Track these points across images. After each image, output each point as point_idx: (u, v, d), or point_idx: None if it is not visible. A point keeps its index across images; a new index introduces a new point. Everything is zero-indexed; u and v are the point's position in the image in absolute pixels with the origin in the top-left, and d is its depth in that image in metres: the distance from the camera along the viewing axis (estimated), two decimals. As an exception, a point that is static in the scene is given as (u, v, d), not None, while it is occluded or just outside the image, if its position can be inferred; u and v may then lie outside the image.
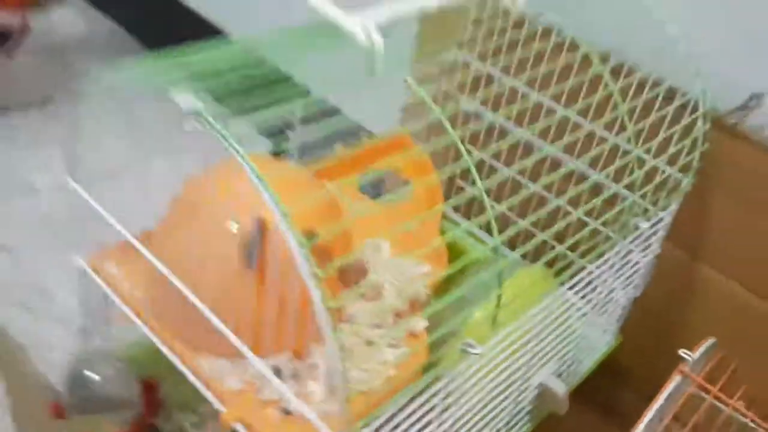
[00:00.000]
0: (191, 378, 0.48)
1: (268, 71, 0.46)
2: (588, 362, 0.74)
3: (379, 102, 0.74)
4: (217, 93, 0.40)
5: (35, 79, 1.28)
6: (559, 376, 0.67)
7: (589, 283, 0.63)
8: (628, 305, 0.74)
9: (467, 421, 0.53)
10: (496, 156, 0.80)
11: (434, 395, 0.45)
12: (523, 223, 0.53)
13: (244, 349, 0.43)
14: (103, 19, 1.50)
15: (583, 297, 0.65)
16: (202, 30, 1.30)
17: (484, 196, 0.47)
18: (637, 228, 0.61)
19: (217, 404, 0.47)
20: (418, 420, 0.46)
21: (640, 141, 0.62)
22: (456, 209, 0.86)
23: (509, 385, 0.56)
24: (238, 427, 0.45)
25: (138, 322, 0.52)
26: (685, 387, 0.52)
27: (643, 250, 0.68)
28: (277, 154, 0.58)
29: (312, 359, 0.50)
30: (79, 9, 1.51)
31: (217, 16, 1.30)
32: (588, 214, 0.61)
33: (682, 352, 0.53)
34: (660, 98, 0.63)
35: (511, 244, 0.80)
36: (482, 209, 0.80)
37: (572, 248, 0.61)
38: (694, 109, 0.63)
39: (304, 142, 0.67)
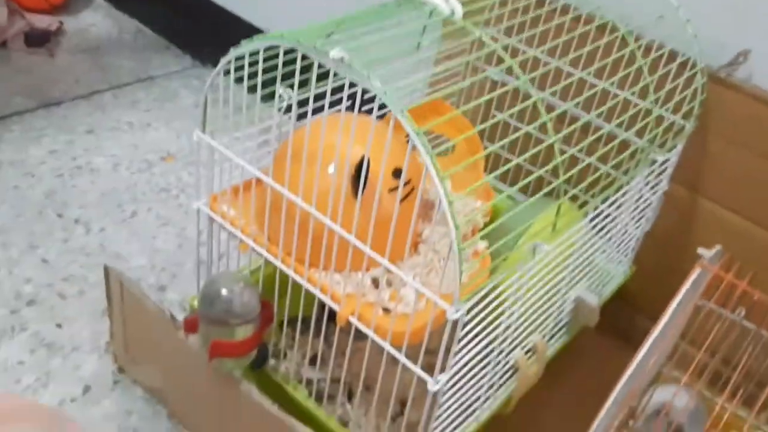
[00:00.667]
0: (308, 286, 0.60)
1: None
2: (608, 290, 0.87)
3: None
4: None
5: (78, 75, 1.39)
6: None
7: (608, 216, 0.75)
8: (641, 238, 0.86)
9: (526, 319, 0.65)
10: (520, 117, 0.93)
11: (510, 286, 0.58)
12: (540, 172, 0.65)
13: (380, 258, 0.54)
14: (129, 19, 1.61)
15: (600, 232, 0.78)
16: (225, 22, 1.41)
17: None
18: (654, 162, 0.74)
19: (333, 304, 0.58)
20: (496, 307, 0.58)
21: (649, 94, 0.75)
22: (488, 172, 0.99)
23: (556, 293, 0.69)
24: (352, 319, 0.57)
25: (258, 248, 0.63)
26: (702, 280, 0.64)
27: (653, 187, 0.81)
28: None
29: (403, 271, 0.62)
30: (105, 11, 1.62)
31: (238, 7, 1.41)
32: (606, 160, 0.74)
33: (700, 249, 0.66)
34: (664, 58, 0.76)
35: (535, 192, 0.93)
36: (505, 163, 0.92)
37: (591, 191, 0.73)
38: (693, 66, 0.76)
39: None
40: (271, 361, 0.72)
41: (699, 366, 0.83)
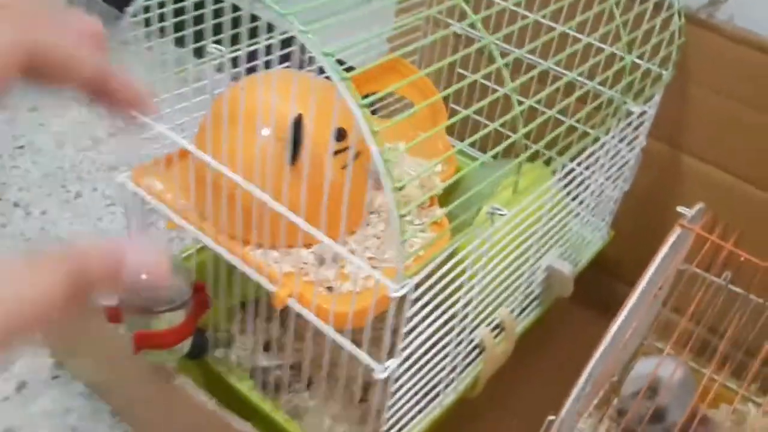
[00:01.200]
0: (241, 266, 0.53)
1: None
2: (585, 256, 0.80)
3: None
4: None
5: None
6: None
7: (575, 178, 0.69)
8: (619, 199, 0.80)
9: (490, 293, 0.59)
10: (487, 76, 0.86)
11: (466, 256, 0.51)
12: (516, 136, 0.58)
13: (314, 231, 0.48)
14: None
15: (573, 194, 0.71)
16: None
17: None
18: (629, 114, 0.67)
19: (269, 285, 0.52)
20: (452, 281, 0.51)
21: (621, 38, 0.68)
22: (449, 130, 0.92)
23: (524, 262, 0.62)
24: (291, 302, 0.51)
25: (187, 225, 0.56)
26: (683, 242, 0.58)
27: (629, 143, 0.74)
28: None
29: (348, 246, 0.56)
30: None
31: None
32: (573, 114, 0.67)
33: (679, 208, 0.59)
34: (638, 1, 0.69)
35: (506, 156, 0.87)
36: (475, 128, 0.86)
37: (555, 148, 0.67)
38: (669, 7, 0.69)
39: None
40: (221, 350, 0.66)
41: (684, 335, 0.77)
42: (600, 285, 0.90)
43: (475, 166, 0.54)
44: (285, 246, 0.54)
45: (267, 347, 0.69)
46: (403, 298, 0.45)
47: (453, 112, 0.92)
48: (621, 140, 0.73)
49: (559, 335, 0.85)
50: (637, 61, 0.71)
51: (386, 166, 0.40)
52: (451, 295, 0.53)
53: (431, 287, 0.50)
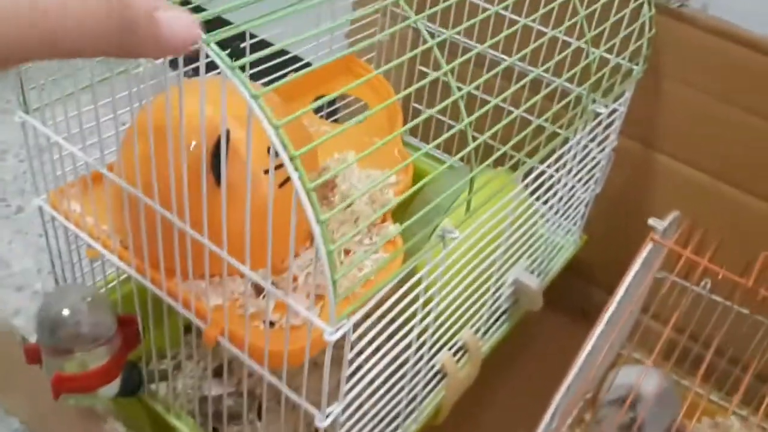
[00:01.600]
0: (168, 299, 0.48)
1: None
2: (557, 263, 0.75)
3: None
4: None
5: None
6: (532, 273, 0.68)
7: (545, 182, 0.64)
8: (591, 203, 0.75)
9: (449, 316, 0.53)
10: (448, 73, 0.81)
11: (417, 283, 0.46)
12: (483, 137, 0.53)
13: (236, 263, 0.42)
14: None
15: (542, 198, 0.66)
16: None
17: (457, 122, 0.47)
18: (597, 115, 0.62)
19: (198, 322, 0.46)
20: (402, 311, 0.46)
21: (586, 32, 0.63)
22: (413, 132, 0.87)
23: (487, 279, 0.57)
24: (222, 340, 0.45)
25: (107, 253, 0.51)
26: (657, 254, 0.53)
27: (600, 143, 0.69)
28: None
29: (290, 272, 0.50)
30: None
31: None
32: (541, 114, 0.62)
33: (651, 220, 0.54)
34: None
35: (476, 160, 0.81)
36: (440, 129, 0.80)
37: (525, 150, 0.62)
38: (638, -4, 0.63)
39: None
40: (163, 383, 0.60)
41: (665, 344, 0.73)
42: (574, 290, 0.85)
43: (433, 176, 0.49)
44: (216, 274, 0.48)
45: (219, 372, 0.63)
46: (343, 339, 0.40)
47: (415, 112, 0.87)
48: (591, 140, 0.68)
49: (533, 343, 0.80)
50: (606, 55, 0.66)
51: (310, 197, 0.34)
52: (405, 322, 0.48)
53: (383, 316, 0.45)
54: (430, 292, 0.49)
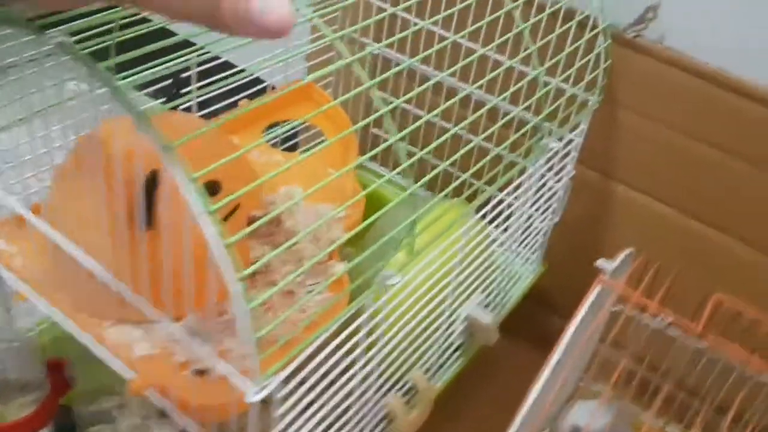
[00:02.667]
0: (93, 347, 0.45)
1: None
2: (515, 294, 0.74)
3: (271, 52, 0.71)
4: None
5: None
6: (486, 307, 0.67)
7: (503, 211, 0.62)
8: (549, 232, 0.74)
9: (395, 359, 0.52)
10: (408, 101, 0.79)
11: (356, 332, 0.44)
12: (442, 166, 0.51)
13: (153, 312, 0.40)
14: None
15: (499, 227, 0.65)
16: None
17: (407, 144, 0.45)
18: (549, 149, 0.60)
19: (125, 372, 0.44)
20: (341, 359, 0.44)
21: (543, 63, 0.62)
22: (374, 157, 0.85)
23: (436, 318, 0.56)
24: (150, 393, 0.43)
25: (34, 296, 0.48)
26: (605, 298, 0.52)
27: (557, 173, 0.68)
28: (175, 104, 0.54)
29: (227, 315, 0.48)
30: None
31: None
32: (499, 143, 0.61)
33: (599, 262, 0.53)
34: (560, 19, 0.63)
35: (433, 186, 0.80)
36: (395, 153, 0.79)
37: (482, 178, 0.60)
38: (594, 26, 0.62)
39: (202, 99, 0.64)
40: (100, 426, 0.58)
41: (625, 375, 0.72)
42: (535, 318, 0.84)
43: (385, 211, 0.47)
44: (149, 320, 0.46)
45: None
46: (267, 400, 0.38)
47: (375, 139, 0.85)
48: (548, 170, 0.67)
49: (493, 373, 0.79)
50: (562, 85, 0.65)
51: (229, 254, 0.32)
52: (347, 368, 0.46)
53: (321, 363, 0.43)
54: (372, 337, 0.47)
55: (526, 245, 0.73)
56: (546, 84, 0.64)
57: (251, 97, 0.69)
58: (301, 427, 0.43)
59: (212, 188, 0.47)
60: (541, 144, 0.60)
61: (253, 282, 0.51)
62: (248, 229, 0.35)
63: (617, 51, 0.64)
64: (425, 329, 0.54)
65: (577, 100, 0.65)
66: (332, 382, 0.45)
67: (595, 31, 0.62)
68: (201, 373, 0.45)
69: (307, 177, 0.62)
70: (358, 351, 0.46)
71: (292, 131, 0.75)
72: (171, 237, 0.44)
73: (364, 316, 0.44)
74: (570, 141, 0.66)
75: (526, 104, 0.59)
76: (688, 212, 0.69)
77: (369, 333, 0.45)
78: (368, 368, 0.48)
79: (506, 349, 0.79)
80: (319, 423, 0.45)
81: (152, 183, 0.44)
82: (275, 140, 0.73)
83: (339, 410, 0.47)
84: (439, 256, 0.53)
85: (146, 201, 0.43)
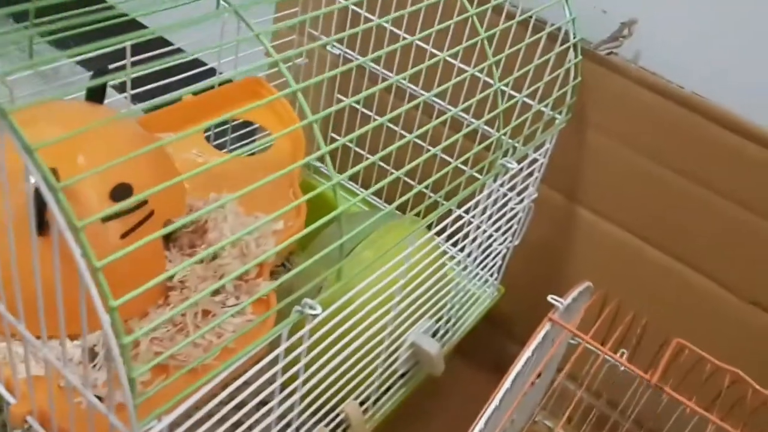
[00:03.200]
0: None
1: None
2: (470, 317, 0.70)
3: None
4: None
5: None
6: (436, 333, 0.62)
7: (460, 229, 0.58)
8: (509, 254, 0.70)
9: (322, 392, 0.47)
10: (366, 102, 0.75)
11: (270, 363, 0.39)
12: (397, 174, 0.47)
13: (23, 330, 0.35)
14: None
15: (457, 245, 0.61)
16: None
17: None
18: (505, 169, 0.56)
19: (6, 395, 0.39)
20: (255, 392, 0.39)
21: (506, 75, 0.57)
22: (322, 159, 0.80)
23: (374, 348, 0.51)
24: (32, 421, 0.38)
25: None
26: (555, 335, 0.48)
27: (519, 194, 0.63)
28: (96, 93, 0.49)
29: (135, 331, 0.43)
30: None
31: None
32: (460, 155, 0.56)
33: (551, 298, 0.49)
34: (529, 29, 0.58)
35: (389, 196, 0.76)
36: (355, 160, 0.74)
37: (439, 193, 0.56)
38: (564, 41, 0.58)
39: (138, 82, 0.59)
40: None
41: (582, 410, 0.68)
42: (491, 342, 0.80)
43: (323, 221, 0.42)
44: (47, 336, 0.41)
45: None
46: None
47: (332, 142, 0.80)
48: (510, 189, 0.62)
49: (444, 398, 0.74)
50: (527, 101, 0.60)
51: (96, 278, 0.27)
52: (263, 403, 0.41)
53: (231, 397, 0.38)
54: (293, 370, 0.42)
55: (484, 266, 0.69)
56: (511, 98, 0.59)
57: (199, 90, 0.64)
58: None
59: (122, 192, 0.42)
60: (500, 162, 0.56)
61: (167, 300, 0.46)
62: (139, 242, 0.30)
63: (588, 68, 0.60)
64: (360, 359, 0.49)
65: (543, 118, 0.60)
66: (245, 417, 0.40)
67: (566, 45, 0.58)
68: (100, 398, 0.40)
69: (246, 184, 0.57)
70: (275, 384, 0.41)
71: (241, 133, 0.70)
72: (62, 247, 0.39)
73: (280, 348, 0.39)
74: (534, 161, 0.62)
75: (488, 117, 0.55)
76: (652, 242, 0.65)
77: (288, 365, 0.41)
78: (288, 402, 0.43)
79: (460, 373, 0.75)
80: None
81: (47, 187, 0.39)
82: (217, 142, 0.68)
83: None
84: (380, 279, 0.48)
85: (36, 202, 0.38)
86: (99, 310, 0.27)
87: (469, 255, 0.63)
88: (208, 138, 0.66)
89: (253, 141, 0.71)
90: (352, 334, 0.46)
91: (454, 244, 0.63)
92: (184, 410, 0.35)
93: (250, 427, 0.41)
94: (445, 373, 0.67)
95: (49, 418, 0.37)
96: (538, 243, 0.70)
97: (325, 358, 0.45)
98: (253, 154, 0.64)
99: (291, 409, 0.44)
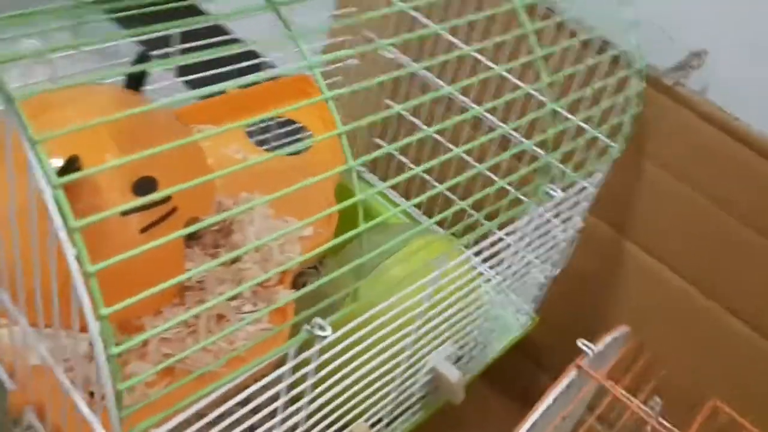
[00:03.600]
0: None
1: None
2: (499, 345, 0.67)
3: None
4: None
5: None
6: (460, 360, 0.60)
7: (498, 252, 0.55)
8: (547, 283, 0.66)
9: (334, 409, 0.45)
10: (416, 110, 0.72)
11: (274, 381, 0.37)
12: (440, 188, 0.45)
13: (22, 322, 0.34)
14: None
15: (493, 268, 0.58)
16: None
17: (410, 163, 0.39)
18: (548, 195, 0.53)
19: (7, 380, 0.38)
20: (257, 409, 0.38)
21: (565, 97, 0.54)
22: (373, 170, 0.79)
23: (389, 371, 0.49)
24: (28, 412, 0.37)
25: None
26: (583, 382, 0.45)
27: (563, 222, 0.60)
28: (135, 79, 0.48)
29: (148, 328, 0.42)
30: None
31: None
32: (506, 176, 0.53)
33: (581, 342, 0.46)
34: (591, 50, 0.55)
35: (427, 208, 0.73)
36: (399, 169, 0.72)
37: (481, 212, 0.53)
38: (628, 66, 0.55)
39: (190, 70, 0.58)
40: None
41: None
42: (521, 371, 0.76)
43: (350, 235, 0.40)
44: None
45: None
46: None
47: (376, 148, 0.78)
48: (555, 215, 0.59)
49: (467, 427, 0.72)
50: (582, 125, 0.57)
51: (88, 284, 0.26)
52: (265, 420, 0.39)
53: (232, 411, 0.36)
54: (301, 388, 0.40)
55: (520, 294, 0.66)
56: (564, 119, 0.56)
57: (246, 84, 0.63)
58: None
59: (145, 186, 0.41)
60: (545, 189, 0.53)
61: (182, 299, 0.44)
62: (155, 242, 0.29)
63: (651, 96, 0.57)
64: (373, 382, 0.47)
65: (597, 145, 0.57)
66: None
67: (629, 71, 0.54)
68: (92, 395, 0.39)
69: (281, 185, 0.56)
70: (280, 401, 0.39)
71: (282, 131, 0.68)
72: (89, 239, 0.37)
73: (286, 367, 0.37)
74: (582, 189, 0.58)
75: (538, 138, 0.52)
76: (703, 289, 0.61)
77: (293, 385, 0.39)
78: (293, 420, 0.41)
79: (485, 401, 0.72)
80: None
81: (69, 169, 0.38)
82: (261, 138, 0.67)
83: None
84: (403, 301, 0.46)
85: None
86: (88, 317, 0.26)
87: (504, 280, 0.60)
88: (250, 134, 0.65)
89: (294, 141, 0.70)
90: (365, 356, 0.44)
91: (491, 267, 0.60)
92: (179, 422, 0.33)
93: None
94: (470, 401, 0.64)
95: (46, 412, 0.36)
96: (579, 274, 0.66)
97: (334, 378, 0.43)
98: (293, 154, 0.63)
99: (296, 426, 0.42)
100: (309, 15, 0.45)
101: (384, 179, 0.77)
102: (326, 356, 0.40)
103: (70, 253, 0.25)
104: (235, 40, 0.61)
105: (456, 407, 0.62)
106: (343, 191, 0.58)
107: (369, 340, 0.43)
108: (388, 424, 0.55)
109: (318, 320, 0.36)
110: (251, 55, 0.62)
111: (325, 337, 0.36)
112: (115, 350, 0.26)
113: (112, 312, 0.26)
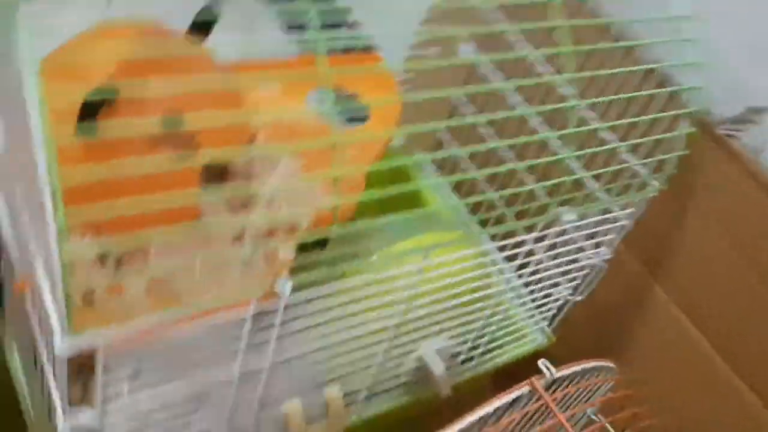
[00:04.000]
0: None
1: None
2: (509, 355, 0.67)
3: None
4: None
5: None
6: (457, 356, 0.61)
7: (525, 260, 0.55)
8: (567, 306, 0.66)
9: (295, 367, 0.47)
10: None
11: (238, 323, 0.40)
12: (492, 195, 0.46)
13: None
14: None
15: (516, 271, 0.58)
16: None
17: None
18: (564, 222, 0.53)
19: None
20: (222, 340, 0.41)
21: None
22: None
23: (369, 345, 0.51)
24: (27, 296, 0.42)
25: None
26: (531, 401, 0.45)
27: (591, 248, 0.59)
28: (199, 26, 0.51)
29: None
30: None
31: None
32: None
33: (542, 363, 0.46)
34: (650, 82, 0.54)
35: (474, 211, 0.74)
36: (454, 167, 0.73)
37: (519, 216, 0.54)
38: (682, 105, 0.53)
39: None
40: None
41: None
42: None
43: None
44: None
45: None
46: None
47: (437, 144, 0.79)
48: (589, 237, 0.59)
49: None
50: (626, 155, 0.56)
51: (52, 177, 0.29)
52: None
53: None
54: (268, 335, 0.43)
55: (539, 306, 0.66)
56: (608, 142, 0.56)
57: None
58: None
59: (172, 122, 0.45)
60: (554, 213, 0.53)
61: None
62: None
63: (701, 142, 0.54)
64: (349, 352, 0.49)
65: (636, 177, 0.56)
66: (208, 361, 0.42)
67: (683, 111, 0.53)
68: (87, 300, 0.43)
69: (323, 153, 0.58)
70: (242, 343, 0.42)
71: (344, 105, 0.71)
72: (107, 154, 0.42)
73: (250, 312, 0.40)
74: (614, 219, 0.57)
75: (578, 153, 0.52)
76: (726, 357, 0.58)
77: (256, 330, 0.42)
78: (262, 363, 0.44)
79: (484, 401, 0.72)
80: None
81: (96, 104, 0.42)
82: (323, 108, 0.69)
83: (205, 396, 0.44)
84: (390, 281, 0.47)
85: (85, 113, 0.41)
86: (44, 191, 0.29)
87: (527, 285, 0.61)
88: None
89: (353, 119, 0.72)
90: (339, 324, 0.46)
91: (518, 268, 0.61)
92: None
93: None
94: (472, 400, 0.65)
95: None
96: (601, 304, 0.65)
97: (302, 336, 0.45)
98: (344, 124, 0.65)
99: (260, 372, 0.45)
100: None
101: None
102: (296, 315, 0.42)
103: (41, 161, 0.29)
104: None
105: (457, 405, 0.63)
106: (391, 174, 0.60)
107: (343, 311, 0.46)
108: (366, 399, 0.57)
109: (283, 279, 0.39)
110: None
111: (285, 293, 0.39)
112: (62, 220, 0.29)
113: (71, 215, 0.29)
